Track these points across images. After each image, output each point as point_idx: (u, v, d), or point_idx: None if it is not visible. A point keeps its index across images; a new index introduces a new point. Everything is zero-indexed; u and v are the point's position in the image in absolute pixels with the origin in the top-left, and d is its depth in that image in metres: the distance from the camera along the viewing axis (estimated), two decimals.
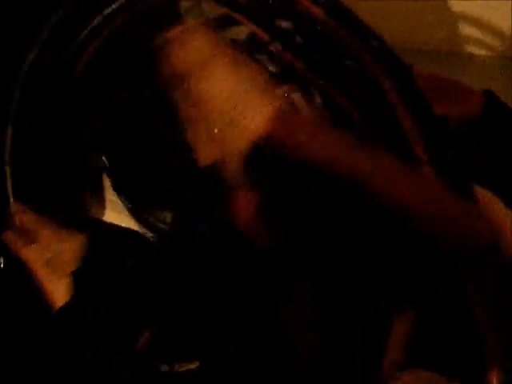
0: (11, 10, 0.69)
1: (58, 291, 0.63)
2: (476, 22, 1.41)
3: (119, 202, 0.75)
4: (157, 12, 0.64)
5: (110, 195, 0.76)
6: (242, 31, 0.57)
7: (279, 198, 0.48)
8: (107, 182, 0.77)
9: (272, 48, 0.52)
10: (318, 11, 0.52)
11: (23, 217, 0.67)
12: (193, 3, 0.63)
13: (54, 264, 0.64)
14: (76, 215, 0.73)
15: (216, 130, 0.52)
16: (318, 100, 0.52)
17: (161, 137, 0.71)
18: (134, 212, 0.74)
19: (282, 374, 0.49)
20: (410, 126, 0.45)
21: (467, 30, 1.45)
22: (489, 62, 1.45)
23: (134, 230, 0.73)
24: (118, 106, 0.70)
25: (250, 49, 0.57)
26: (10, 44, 0.69)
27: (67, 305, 0.60)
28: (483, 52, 1.48)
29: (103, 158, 0.75)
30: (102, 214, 0.75)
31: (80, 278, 0.62)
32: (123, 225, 0.73)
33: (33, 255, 0.65)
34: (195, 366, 0.54)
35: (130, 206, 0.74)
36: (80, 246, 0.64)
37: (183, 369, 0.54)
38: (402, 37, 1.39)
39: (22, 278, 0.65)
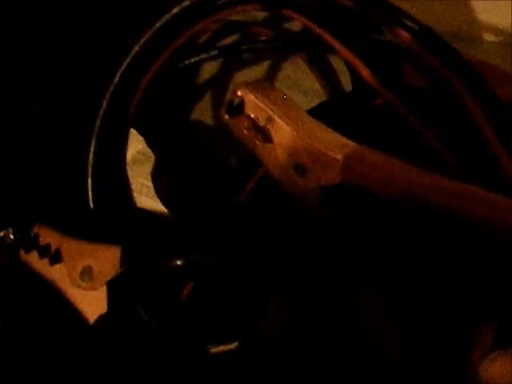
0: None
1: (91, 306, 0.61)
2: (483, 9, 1.41)
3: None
4: None
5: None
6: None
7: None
8: None
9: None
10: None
11: (46, 236, 0.65)
12: None
13: (82, 280, 0.62)
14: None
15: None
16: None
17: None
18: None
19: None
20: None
21: (475, 15, 1.44)
22: (495, 47, 1.44)
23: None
24: None
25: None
26: None
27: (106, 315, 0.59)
28: (492, 38, 1.47)
29: None
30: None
31: (114, 290, 0.60)
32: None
33: (59, 274, 0.63)
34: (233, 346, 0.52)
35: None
36: (107, 260, 0.62)
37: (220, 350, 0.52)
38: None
39: (51, 296, 0.63)
